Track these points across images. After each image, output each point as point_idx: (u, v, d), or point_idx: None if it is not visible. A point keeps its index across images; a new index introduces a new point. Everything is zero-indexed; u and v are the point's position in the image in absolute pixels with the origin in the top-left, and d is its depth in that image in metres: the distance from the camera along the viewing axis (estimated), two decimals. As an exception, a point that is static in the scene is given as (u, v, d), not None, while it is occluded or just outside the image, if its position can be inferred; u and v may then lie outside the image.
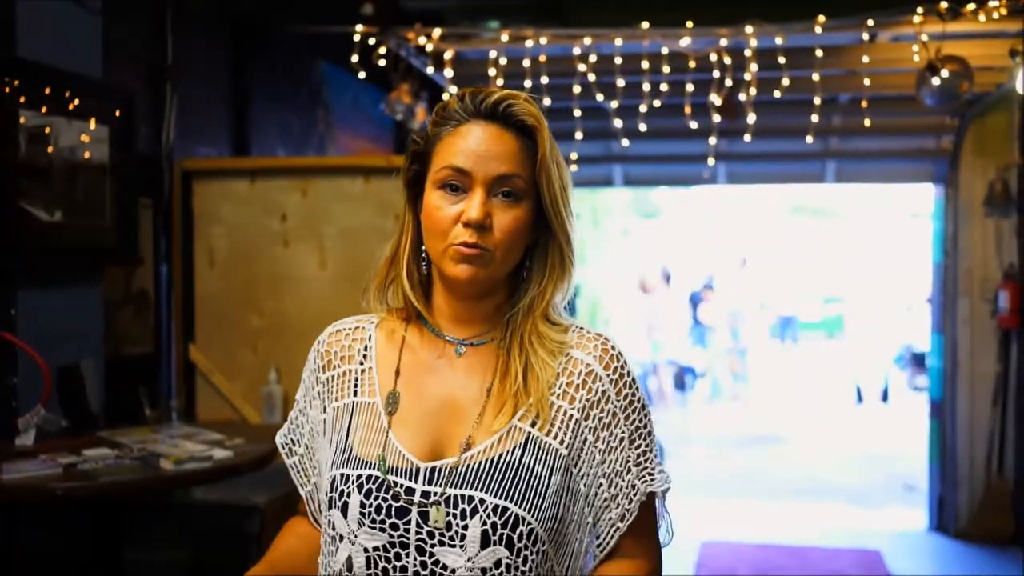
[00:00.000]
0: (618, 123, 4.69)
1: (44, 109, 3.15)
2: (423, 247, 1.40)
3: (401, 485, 1.31)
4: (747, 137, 4.67)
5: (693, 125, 4.66)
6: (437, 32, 4.56)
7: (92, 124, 3.36)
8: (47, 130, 3.17)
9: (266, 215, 4.22)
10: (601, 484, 1.37)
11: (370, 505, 1.31)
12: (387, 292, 1.45)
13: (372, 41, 4.61)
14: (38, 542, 3.01)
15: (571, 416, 1.36)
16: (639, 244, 14.73)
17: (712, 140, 4.73)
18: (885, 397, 11.81)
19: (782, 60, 4.40)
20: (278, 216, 4.21)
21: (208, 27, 4.60)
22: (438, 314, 1.43)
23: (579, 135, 4.74)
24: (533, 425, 1.34)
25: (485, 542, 1.28)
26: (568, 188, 1.40)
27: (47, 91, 3.16)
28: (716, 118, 4.61)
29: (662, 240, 16.33)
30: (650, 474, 1.39)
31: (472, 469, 1.31)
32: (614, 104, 4.56)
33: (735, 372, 12.08)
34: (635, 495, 1.38)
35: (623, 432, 1.38)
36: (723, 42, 4.41)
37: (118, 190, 3.50)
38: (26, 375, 3.03)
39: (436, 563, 1.29)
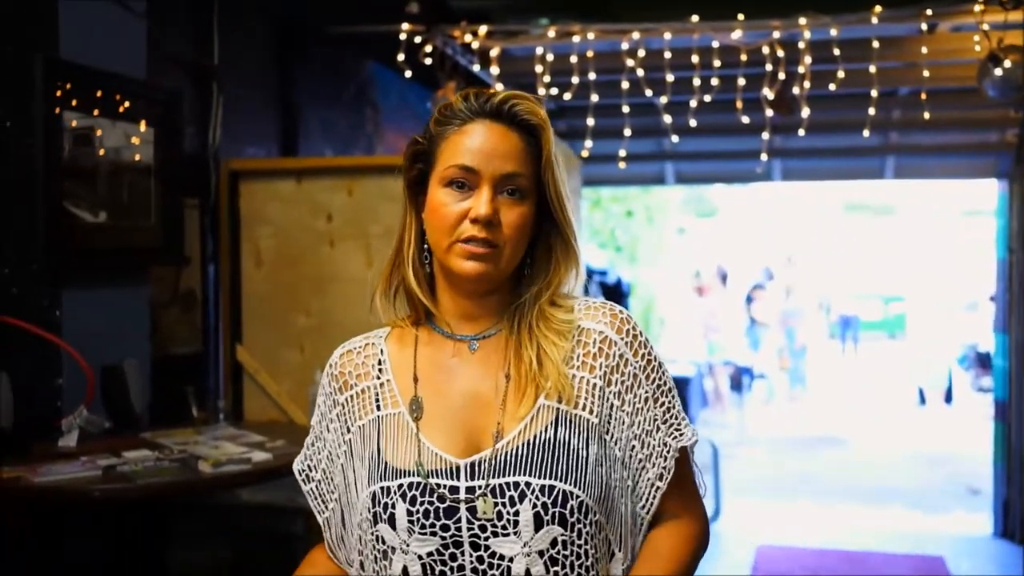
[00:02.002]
0: (668, 119, 4.60)
1: (89, 111, 3.16)
2: (426, 246, 1.43)
3: (444, 486, 1.33)
4: (801, 132, 4.55)
5: (745, 120, 4.55)
6: (483, 29, 4.51)
7: (137, 125, 3.37)
8: (92, 132, 3.18)
9: (312, 215, 4.20)
10: (634, 446, 1.40)
11: (417, 512, 1.33)
12: (393, 298, 1.46)
13: (418, 40, 4.57)
14: (81, 543, 3.01)
15: (594, 384, 1.39)
16: (695, 243, 14.60)
17: (765, 135, 4.61)
18: (949, 398, 11.55)
19: (837, 52, 4.28)
20: (324, 216, 4.18)
21: (255, 27, 4.60)
22: (446, 314, 1.44)
23: (628, 132, 4.66)
24: (560, 401, 1.36)
25: (538, 524, 1.30)
26: (567, 185, 1.44)
27: (91, 92, 3.16)
28: (769, 113, 4.50)
29: (718, 239, 16.17)
30: (678, 429, 1.42)
31: (511, 455, 1.33)
32: (663, 100, 4.48)
33: (789, 372, 11.89)
34: (668, 452, 1.41)
35: (646, 392, 1.41)
36: (776, 34, 4.30)
37: (163, 191, 3.50)
38: (71, 376, 3.03)
39: (492, 555, 1.31)
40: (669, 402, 1.42)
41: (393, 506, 1.34)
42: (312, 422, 1.53)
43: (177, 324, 3.94)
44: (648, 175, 6.56)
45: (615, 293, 7.99)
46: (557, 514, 1.31)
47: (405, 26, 4.56)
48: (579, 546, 1.32)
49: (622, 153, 4.80)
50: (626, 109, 4.59)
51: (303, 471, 1.52)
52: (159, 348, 3.74)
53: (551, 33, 4.46)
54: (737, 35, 4.33)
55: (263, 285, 4.26)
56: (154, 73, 3.58)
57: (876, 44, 4.31)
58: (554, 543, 1.31)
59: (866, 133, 4.54)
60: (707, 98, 4.45)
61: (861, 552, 5.86)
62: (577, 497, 1.32)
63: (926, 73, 4.40)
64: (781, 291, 11.97)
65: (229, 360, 4.23)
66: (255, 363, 4.24)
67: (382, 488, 1.36)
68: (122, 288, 3.37)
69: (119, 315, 3.32)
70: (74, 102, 3.09)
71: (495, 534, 1.31)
